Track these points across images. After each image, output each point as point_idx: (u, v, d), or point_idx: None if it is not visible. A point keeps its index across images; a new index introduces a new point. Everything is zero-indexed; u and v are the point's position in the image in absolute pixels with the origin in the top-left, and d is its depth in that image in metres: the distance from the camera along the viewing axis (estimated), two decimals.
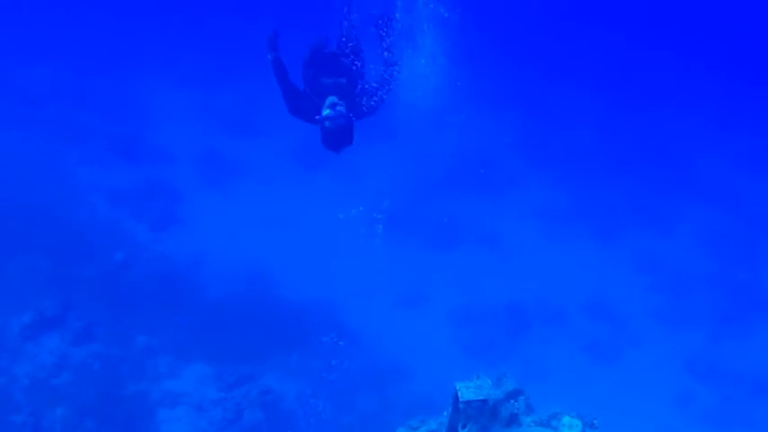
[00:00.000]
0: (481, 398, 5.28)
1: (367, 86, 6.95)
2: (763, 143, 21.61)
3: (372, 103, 6.89)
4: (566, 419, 5.41)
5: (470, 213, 16.87)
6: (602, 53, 26.31)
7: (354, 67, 7.01)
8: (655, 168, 19.94)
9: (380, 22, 7.08)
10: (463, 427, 5.27)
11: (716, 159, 20.86)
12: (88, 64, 19.58)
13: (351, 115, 6.62)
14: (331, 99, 6.62)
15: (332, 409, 11.99)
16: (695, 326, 15.63)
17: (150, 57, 20.64)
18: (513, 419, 5.47)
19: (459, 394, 5.34)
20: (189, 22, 23.34)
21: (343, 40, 7.17)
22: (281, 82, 6.91)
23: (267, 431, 12.08)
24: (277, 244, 15.11)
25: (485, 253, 16.22)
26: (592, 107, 22.36)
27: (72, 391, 11.55)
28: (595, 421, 5.54)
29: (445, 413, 5.58)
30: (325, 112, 6.54)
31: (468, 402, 5.26)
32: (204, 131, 18.07)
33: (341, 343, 12.10)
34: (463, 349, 14.11)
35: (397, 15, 6.99)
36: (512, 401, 5.57)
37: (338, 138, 6.63)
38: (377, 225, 12.13)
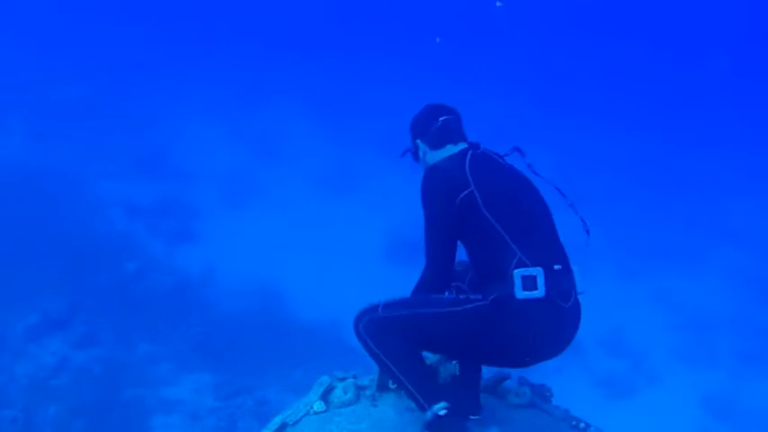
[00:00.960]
0: None
1: None
2: None
3: None
4: None
5: None
6: (641, 87, 26.39)
7: None
8: (682, 205, 19.82)
9: None
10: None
11: (745, 199, 20.67)
12: (120, 81, 20.14)
13: None
14: None
15: None
16: (716, 365, 15.18)
17: (182, 77, 21.19)
18: None
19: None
20: (220, 44, 23.91)
21: None
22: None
23: None
24: (291, 264, 15.05)
25: None
26: (621, 140, 22.42)
27: (69, 392, 11.52)
28: None
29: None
30: None
31: None
32: (229, 152, 18.28)
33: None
34: None
35: None
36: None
37: None
38: None
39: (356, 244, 15.82)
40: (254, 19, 27.84)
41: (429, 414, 4.30)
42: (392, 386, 5.01)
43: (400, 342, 4.45)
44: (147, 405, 11.86)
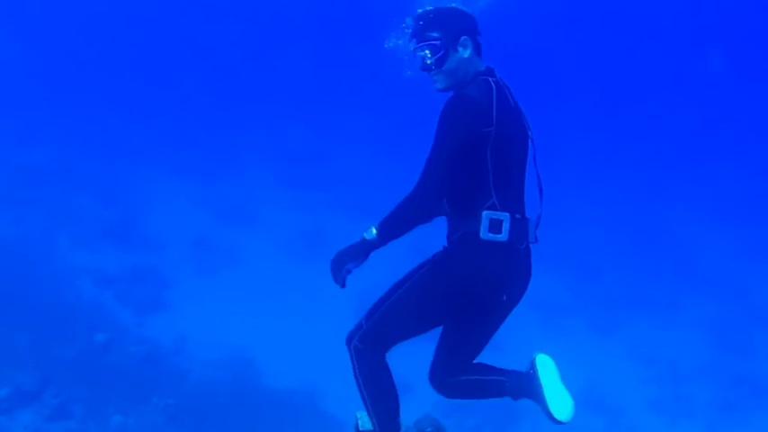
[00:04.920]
0: None
1: None
2: (762, 233, 21.75)
3: None
4: None
5: None
6: (605, 138, 26.68)
7: None
8: (653, 258, 20.01)
9: None
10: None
11: (715, 249, 20.90)
12: (85, 148, 20.12)
13: None
14: None
15: None
16: (693, 415, 15.25)
17: (148, 144, 21.23)
18: None
19: (360, 423, 5.09)
20: (186, 111, 23.95)
21: None
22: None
23: None
24: (263, 332, 14.96)
25: None
26: (590, 196, 22.64)
27: None
28: None
29: None
30: None
31: None
32: (198, 219, 18.25)
33: None
34: None
35: None
36: None
37: None
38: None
39: (327, 309, 15.72)
40: (220, 82, 28.02)
41: None
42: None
43: (382, 368, 4.68)
44: None
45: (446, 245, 4.61)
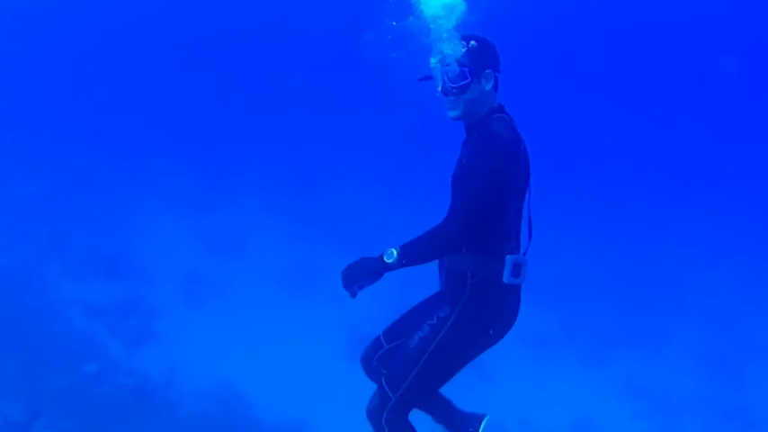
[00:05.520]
0: None
1: None
2: (753, 266, 21.77)
3: None
4: None
5: None
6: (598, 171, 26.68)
7: None
8: (643, 291, 20.00)
9: None
10: None
11: (705, 281, 20.90)
12: (75, 179, 20.14)
13: None
14: None
15: None
16: None
17: (138, 175, 21.25)
18: None
19: None
20: (177, 142, 23.95)
21: None
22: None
23: None
24: (254, 365, 14.83)
25: (467, 378, 15.76)
26: (579, 230, 22.63)
27: None
28: None
29: None
30: None
31: None
32: (188, 251, 18.30)
33: None
34: None
35: None
36: None
37: None
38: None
39: (317, 342, 15.70)
40: (211, 114, 28.05)
41: None
42: None
43: (412, 429, 4.83)
44: None
45: (458, 286, 4.61)
